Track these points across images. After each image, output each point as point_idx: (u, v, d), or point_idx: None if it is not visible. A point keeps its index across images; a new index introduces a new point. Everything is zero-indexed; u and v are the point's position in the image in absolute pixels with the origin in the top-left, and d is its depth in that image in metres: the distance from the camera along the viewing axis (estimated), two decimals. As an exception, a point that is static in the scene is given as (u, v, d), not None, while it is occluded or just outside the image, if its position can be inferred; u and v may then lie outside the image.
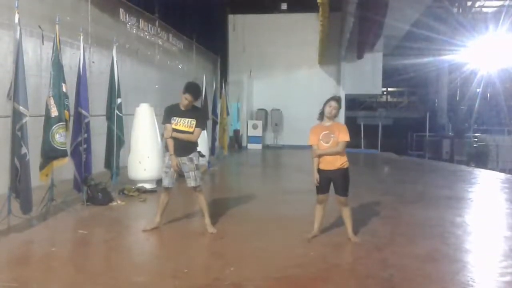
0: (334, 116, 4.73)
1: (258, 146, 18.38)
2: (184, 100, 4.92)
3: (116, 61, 7.13)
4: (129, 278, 3.77)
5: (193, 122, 4.95)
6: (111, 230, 5.26)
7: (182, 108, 4.97)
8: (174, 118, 4.96)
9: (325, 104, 4.74)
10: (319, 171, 4.77)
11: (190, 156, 5.00)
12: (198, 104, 5.24)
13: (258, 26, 19.66)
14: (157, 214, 5.23)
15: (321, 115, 4.79)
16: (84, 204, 6.25)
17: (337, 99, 4.77)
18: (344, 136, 4.68)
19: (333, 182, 4.78)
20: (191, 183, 5.04)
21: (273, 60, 19.47)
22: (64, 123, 5.60)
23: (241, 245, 4.76)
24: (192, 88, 4.97)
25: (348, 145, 4.76)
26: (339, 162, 4.71)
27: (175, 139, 4.95)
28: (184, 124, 4.94)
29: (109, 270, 4.05)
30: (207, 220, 5.19)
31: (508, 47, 18.61)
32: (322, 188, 4.81)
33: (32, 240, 4.80)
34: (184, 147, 4.99)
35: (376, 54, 19.35)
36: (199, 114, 5.08)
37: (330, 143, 4.67)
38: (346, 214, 4.86)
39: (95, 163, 6.81)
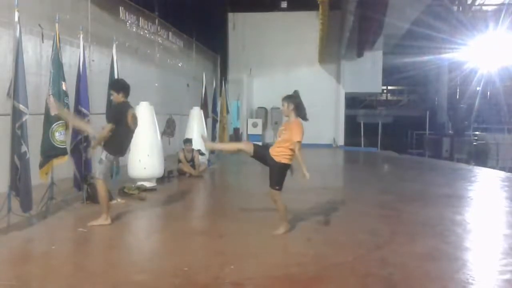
0: (286, 114, 5.02)
1: (258, 145, 18.36)
2: None
3: (116, 59, 7.13)
4: (129, 276, 3.77)
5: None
6: (110, 228, 5.25)
7: None
8: None
9: None
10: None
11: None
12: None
13: (258, 25, 19.65)
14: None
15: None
16: (84, 203, 6.26)
17: (284, 98, 5.09)
18: (296, 136, 4.83)
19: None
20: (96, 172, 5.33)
21: (273, 59, 19.46)
22: (64, 121, 5.60)
23: (241, 244, 4.76)
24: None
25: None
26: (278, 153, 4.95)
27: None
28: None
29: (108, 268, 4.04)
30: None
31: (508, 45, 18.60)
32: None
33: (32, 238, 4.80)
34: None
35: (376, 53, 19.36)
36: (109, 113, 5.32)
37: (281, 137, 4.94)
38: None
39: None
